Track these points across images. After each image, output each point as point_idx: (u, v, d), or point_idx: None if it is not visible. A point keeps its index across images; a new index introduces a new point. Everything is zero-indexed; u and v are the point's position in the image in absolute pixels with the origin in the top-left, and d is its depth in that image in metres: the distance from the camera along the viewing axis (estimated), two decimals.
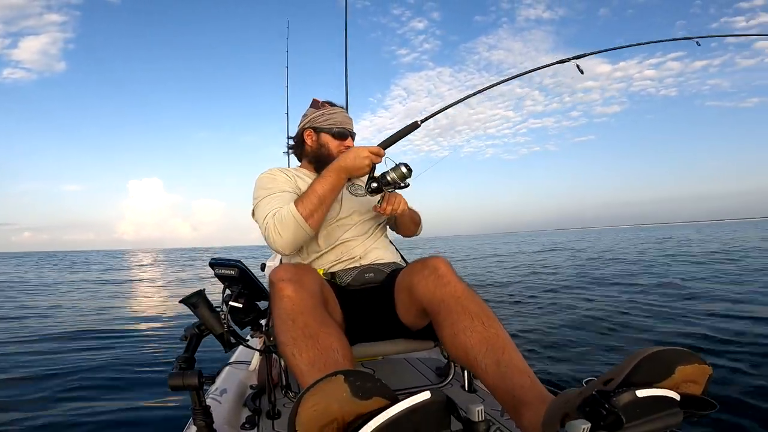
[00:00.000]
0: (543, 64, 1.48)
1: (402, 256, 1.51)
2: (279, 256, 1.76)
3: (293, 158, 1.61)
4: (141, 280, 12.14)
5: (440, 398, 0.55)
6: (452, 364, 1.53)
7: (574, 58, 1.43)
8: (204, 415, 1.02)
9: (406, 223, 1.51)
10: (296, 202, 1.19)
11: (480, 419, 0.55)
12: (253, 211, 1.33)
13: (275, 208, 1.23)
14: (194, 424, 1.02)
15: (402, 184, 1.20)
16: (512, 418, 0.79)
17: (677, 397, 0.65)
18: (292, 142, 1.54)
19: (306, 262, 1.32)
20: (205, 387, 1.03)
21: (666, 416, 0.64)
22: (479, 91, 1.42)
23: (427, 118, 1.30)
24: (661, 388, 0.63)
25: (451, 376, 1.52)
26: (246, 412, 1.30)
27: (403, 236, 1.59)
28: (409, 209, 1.41)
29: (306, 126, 1.45)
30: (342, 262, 1.32)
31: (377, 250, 1.36)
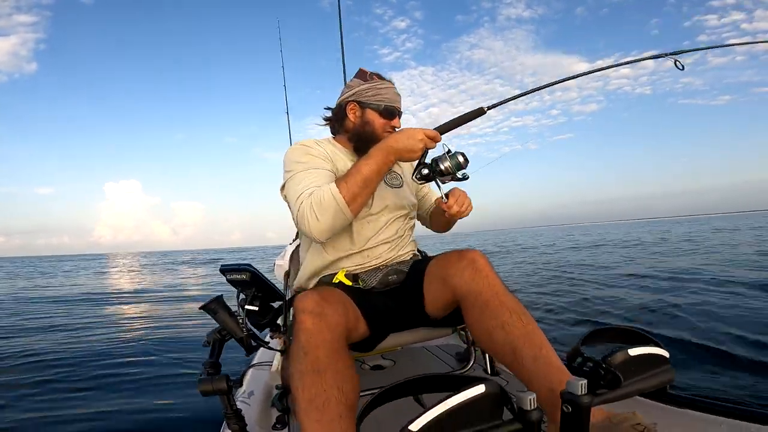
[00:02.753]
0: (640, 57, 1.34)
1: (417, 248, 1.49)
2: (288, 254, 1.73)
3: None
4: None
5: (494, 390, 0.55)
6: (472, 348, 1.54)
7: (672, 54, 1.28)
8: (237, 418, 1.02)
9: (445, 220, 1.35)
10: (338, 183, 1.05)
11: (533, 407, 0.55)
12: (283, 185, 1.20)
13: (312, 187, 1.08)
14: (229, 428, 1.02)
15: (458, 176, 1.06)
16: (546, 414, 0.80)
17: (667, 354, 0.72)
18: (328, 113, 1.35)
19: (331, 259, 1.24)
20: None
21: (660, 373, 0.71)
22: (550, 84, 1.26)
23: (493, 106, 1.15)
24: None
25: (472, 361, 1.53)
26: (275, 413, 1.30)
27: (434, 231, 1.48)
28: None
29: (350, 99, 1.27)
30: (367, 266, 1.24)
31: (402, 252, 1.29)
